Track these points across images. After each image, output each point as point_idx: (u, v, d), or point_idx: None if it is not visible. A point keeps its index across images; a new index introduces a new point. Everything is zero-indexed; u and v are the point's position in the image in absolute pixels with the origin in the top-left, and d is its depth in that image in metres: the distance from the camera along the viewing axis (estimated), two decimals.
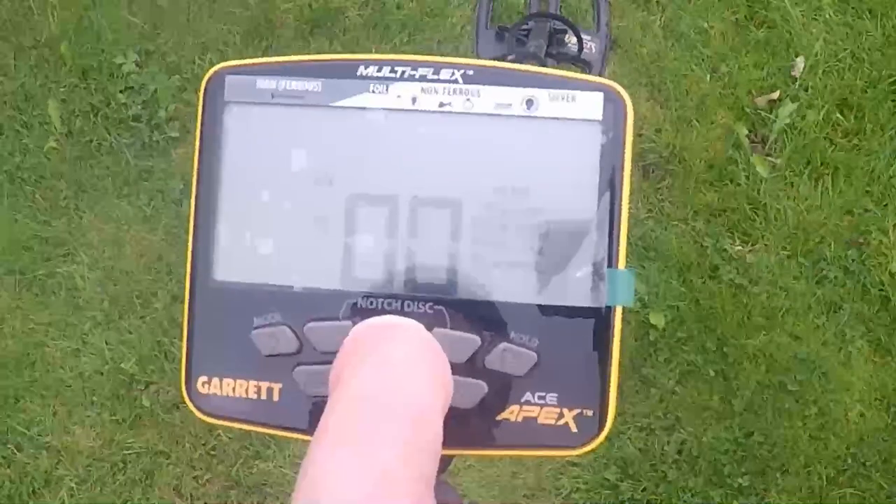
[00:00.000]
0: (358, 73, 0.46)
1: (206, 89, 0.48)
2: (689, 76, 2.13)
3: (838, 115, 2.09)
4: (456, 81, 0.46)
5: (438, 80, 0.46)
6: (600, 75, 1.84)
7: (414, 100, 0.46)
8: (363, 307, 0.46)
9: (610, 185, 0.45)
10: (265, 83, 0.47)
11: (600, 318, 0.45)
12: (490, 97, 0.45)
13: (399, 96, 0.46)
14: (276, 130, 0.47)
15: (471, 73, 0.46)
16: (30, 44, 2.23)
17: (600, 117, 0.45)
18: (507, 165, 0.45)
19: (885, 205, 2.03)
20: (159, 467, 1.94)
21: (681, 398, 1.92)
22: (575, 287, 0.45)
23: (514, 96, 0.45)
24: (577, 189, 0.45)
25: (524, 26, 1.71)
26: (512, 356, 0.45)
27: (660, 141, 2.08)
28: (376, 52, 2.16)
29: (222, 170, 0.47)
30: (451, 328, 0.45)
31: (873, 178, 2.04)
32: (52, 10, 2.24)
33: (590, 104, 0.45)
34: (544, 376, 0.45)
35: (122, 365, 1.98)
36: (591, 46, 1.80)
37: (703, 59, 2.14)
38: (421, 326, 0.44)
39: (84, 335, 2.02)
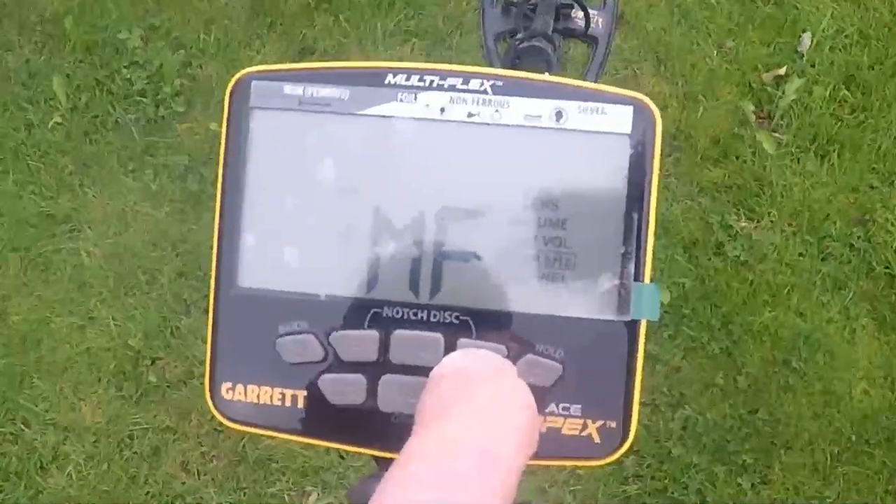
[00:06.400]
0: (386, 82, 0.46)
1: (231, 94, 0.48)
2: (696, 52, 2.12)
3: (845, 91, 2.08)
4: (485, 92, 0.45)
5: (467, 91, 0.45)
6: (607, 51, 1.83)
7: (442, 110, 0.45)
8: (389, 316, 0.46)
9: (638, 198, 0.45)
10: (292, 89, 0.47)
11: (625, 331, 0.45)
12: (519, 108, 0.45)
13: (427, 106, 0.45)
14: (302, 137, 0.47)
15: (500, 83, 0.45)
16: (34, 20, 2.22)
17: (629, 130, 0.45)
18: (535, 177, 0.45)
19: (892, 182, 2.02)
20: (166, 443, 1.95)
21: (685, 375, 1.93)
22: (601, 300, 0.45)
23: (543, 108, 0.45)
24: (605, 202, 0.45)
25: (531, 1, 1.71)
26: (537, 368, 0.45)
27: (665, 117, 2.07)
28: (381, 29, 2.14)
29: (247, 176, 0.47)
30: (477, 339, 0.45)
31: (879, 155, 2.04)
32: None
33: (619, 117, 0.45)
34: (569, 388, 0.45)
35: (129, 341, 1.99)
36: (599, 22, 1.78)
37: (709, 35, 2.13)
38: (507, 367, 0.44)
39: (90, 311, 2.02)
